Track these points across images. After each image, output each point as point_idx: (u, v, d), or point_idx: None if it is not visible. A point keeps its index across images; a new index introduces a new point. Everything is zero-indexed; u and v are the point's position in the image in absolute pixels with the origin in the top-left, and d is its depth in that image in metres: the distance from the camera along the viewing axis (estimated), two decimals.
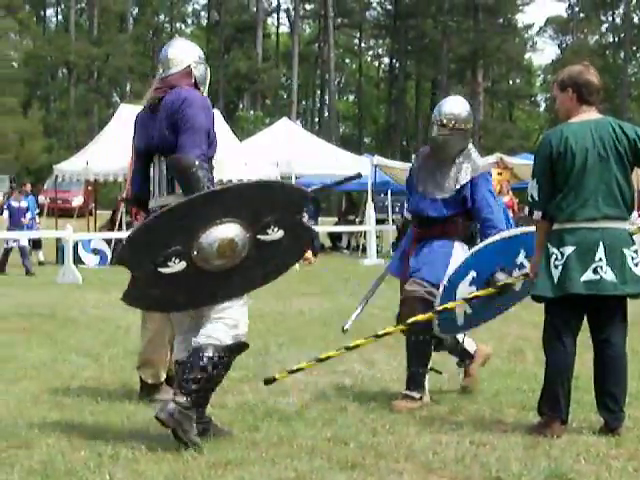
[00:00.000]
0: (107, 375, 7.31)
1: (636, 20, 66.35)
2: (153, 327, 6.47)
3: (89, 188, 28.53)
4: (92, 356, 8.14)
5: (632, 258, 5.40)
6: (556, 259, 5.40)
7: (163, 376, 6.47)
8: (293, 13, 66.23)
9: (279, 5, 72.00)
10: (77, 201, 35.59)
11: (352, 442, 5.22)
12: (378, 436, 5.39)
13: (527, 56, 71.76)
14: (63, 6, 70.06)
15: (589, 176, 5.39)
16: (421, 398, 6.24)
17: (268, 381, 5.89)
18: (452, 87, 63.38)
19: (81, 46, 61.88)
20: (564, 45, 71.04)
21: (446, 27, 63.17)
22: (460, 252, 6.29)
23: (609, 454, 5.04)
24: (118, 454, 4.90)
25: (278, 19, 74.03)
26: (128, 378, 7.02)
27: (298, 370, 6.01)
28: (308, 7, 69.97)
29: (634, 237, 5.53)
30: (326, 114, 68.06)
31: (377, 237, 24.44)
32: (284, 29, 74.53)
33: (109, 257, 20.60)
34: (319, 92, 72.01)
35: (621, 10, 66.26)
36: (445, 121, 6.40)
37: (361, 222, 25.99)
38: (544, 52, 76.36)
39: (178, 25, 72.87)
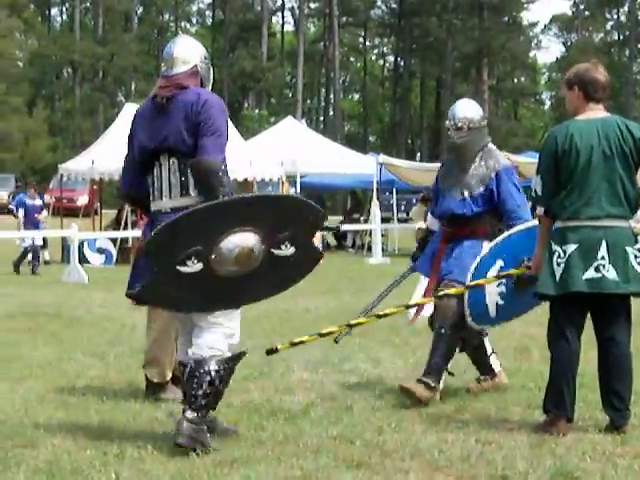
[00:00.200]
0: (113, 374, 7.31)
1: None
2: (159, 326, 6.47)
3: (94, 187, 28.58)
4: (98, 355, 8.14)
5: (635, 257, 5.39)
6: (559, 257, 5.40)
7: (169, 375, 6.46)
8: (298, 12, 66.20)
9: (284, 4, 72.04)
10: (82, 200, 35.74)
11: (358, 440, 5.22)
12: (384, 434, 5.38)
13: (532, 54, 71.81)
14: (68, 5, 70.21)
15: (593, 174, 5.39)
16: (435, 389, 6.22)
17: (270, 351, 5.91)
18: (457, 85, 63.42)
19: (86, 45, 61.94)
20: (569, 43, 71.01)
21: (451, 25, 63.07)
22: None
23: (615, 452, 5.03)
24: (124, 453, 4.91)
25: (283, 18, 74.12)
26: (134, 377, 7.01)
27: (300, 342, 6.01)
28: (313, 6, 70.00)
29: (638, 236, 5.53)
30: (331, 113, 68.06)
31: (382, 236, 24.39)
32: (289, 28, 74.70)
33: (114, 256, 20.65)
34: (324, 91, 71.98)
35: (626, 8, 66.07)
36: (460, 124, 6.53)
37: (366, 221, 25.98)
38: (549, 50, 76.87)
39: (183, 24, 72.90)
